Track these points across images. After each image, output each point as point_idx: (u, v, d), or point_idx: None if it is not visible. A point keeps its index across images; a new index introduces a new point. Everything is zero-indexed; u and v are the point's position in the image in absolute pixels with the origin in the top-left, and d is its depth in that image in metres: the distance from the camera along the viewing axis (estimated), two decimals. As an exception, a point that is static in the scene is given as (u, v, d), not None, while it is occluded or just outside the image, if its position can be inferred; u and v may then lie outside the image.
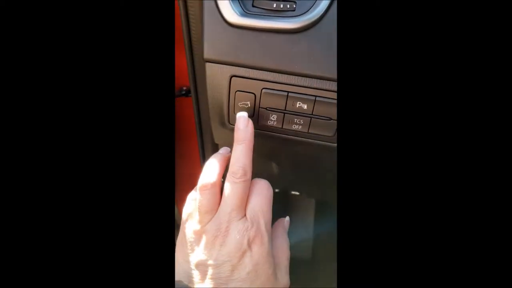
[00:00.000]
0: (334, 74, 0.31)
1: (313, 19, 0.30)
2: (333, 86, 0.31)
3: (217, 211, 0.30)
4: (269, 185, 0.33)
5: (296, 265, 0.88)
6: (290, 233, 0.91)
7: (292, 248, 0.90)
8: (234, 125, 0.37)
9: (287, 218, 0.37)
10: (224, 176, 0.33)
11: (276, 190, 0.67)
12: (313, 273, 0.86)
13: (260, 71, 0.32)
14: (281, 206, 0.90)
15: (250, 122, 0.33)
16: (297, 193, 0.66)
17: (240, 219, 0.30)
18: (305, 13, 0.31)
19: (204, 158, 0.55)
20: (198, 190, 0.31)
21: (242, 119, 0.33)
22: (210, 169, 0.32)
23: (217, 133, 0.40)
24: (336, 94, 0.31)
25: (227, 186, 0.31)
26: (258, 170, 0.45)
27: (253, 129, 0.33)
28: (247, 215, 0.30)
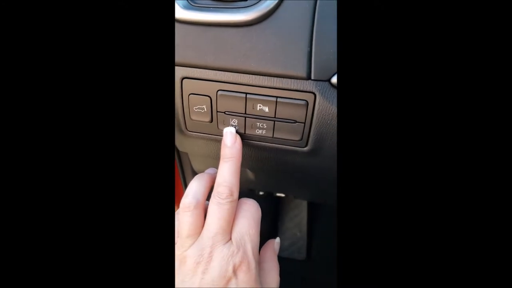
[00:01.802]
0: (294, 71, 0.27)
1: (268, 9, 0.26)
2: (295, 84, 0.27)
3: (200, 234, 0.28)
4: (258, 205, 0.30)
5: (291, 266, 0.85)
6: (283, 234, 0.88)
7: (286, 249, 0.87)
8: (192, 132, 0.33)
9: (277, 239, 0.34)
10: (209, 197, 0.30)
11: (261, 193, 0.64)
12: (308, 273, 0.83)
13: (213, 71, 0.28)
14: (273, 208, 0.87)
15: (238, 138, 0.31)
16: (282, 195, 0.63)
17: (225, 243, 0.27)
18: (258, 2, 0.27)
19: (181, 165, 0.52)
20: (179, 211, 0.28)
21: (229, 134, 0.31)
22: (194, 189, 0.30)
23: (178, 140, 0.36)
24: (299, 93, 0.28)
25: (211, 207, 0.28)
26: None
27: (241, 146, 0.30)
28: (233, 239, 0.27)
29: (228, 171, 0.29)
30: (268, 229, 0.84)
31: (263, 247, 0.33)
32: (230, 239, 0.27)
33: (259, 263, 0.30)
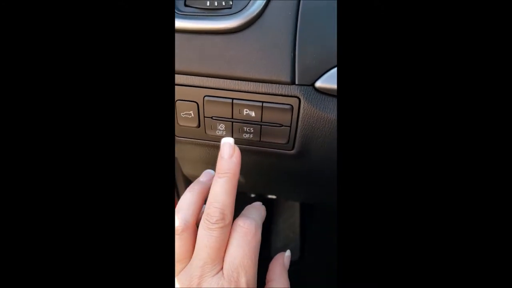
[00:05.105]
0: (279, 76, 0.27)
1: (252, 16, 0.27)
2: (280, 89, 0.28)
3: (190, 258, 0.25)
4: (256, 228, 0.26)
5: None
6: (277, 236, 0.88)
7: (280, 250, 0.87)
8: (180, 137, 0.33)
9: (288, 252, 0.30)
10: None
11: (252, 196, 0.64)
12: (302, 274, 0.84)
13: (200, 78, 0.29)
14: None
15: (237, 150, 0.27)
16: (274, 197, 0.63)
17: (214, 275, 0.24)
18: (242, 10, 0.27)
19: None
20: None
21: (226, 146, 0.27)
22: (183, 207, 0.26)
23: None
24: (283, 98, 0.28)
25: (200, 231, 0.25)
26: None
27: (239, 160, 0.27)
28: (224, 271, 0.24)
29: (221, 189, 0.25)
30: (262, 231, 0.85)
31: (272, 262, 0.30)
32: (222, 268, 0.25)
33: (267, 282, 0.27)
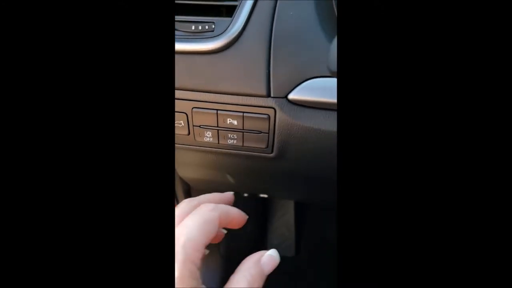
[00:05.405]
0: (256, 90, 0.32)
1: (231, 38, 0.31)
2: (258, 101, 0.32)
3: None
4: (215, 207, 0.27)
5: (281, 263, 0.89)
6: (272, 234, 0.91)
7: (276, 247, 0.91)
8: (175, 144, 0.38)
9: (270, 252, 0.28)
10: None
11: (245, 195, 0.68)
12: (298, 271, 0.87)
13: (188, 92, 0.33)
14: (260, 207, 0.91)
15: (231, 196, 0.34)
16: (265, 195, 0.67)
17: None
18: (223, 33, 0.31)
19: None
20: None
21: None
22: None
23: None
24: (261, 108, 0.32)
25: None
26: (218, 180, 0.46)
27: (232, 198, 0.33)
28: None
29: (211, 195, 0.32)
30: (257, 229, 0.88)
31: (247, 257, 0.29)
32: None
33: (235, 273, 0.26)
